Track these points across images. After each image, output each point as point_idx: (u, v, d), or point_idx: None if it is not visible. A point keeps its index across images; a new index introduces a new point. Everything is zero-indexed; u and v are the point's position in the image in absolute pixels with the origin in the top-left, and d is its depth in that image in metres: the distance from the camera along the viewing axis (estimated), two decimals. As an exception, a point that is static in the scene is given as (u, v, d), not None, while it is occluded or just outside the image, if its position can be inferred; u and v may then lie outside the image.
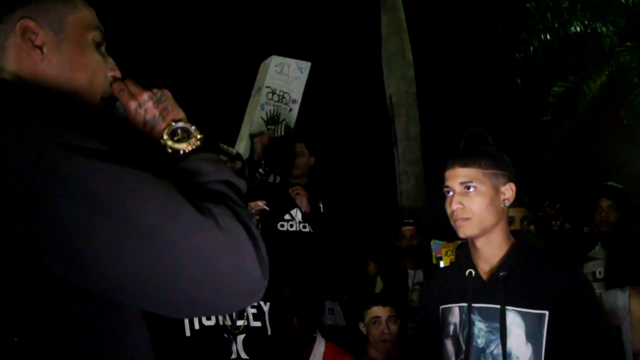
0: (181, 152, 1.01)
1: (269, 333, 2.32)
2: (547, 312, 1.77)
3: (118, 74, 1.13)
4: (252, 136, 5.22)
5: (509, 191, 1.88)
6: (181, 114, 1.09)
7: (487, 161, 1.87)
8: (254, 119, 5.21)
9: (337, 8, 9.30)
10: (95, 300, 0.87)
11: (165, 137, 1.04)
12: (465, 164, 1.87)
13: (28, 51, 0.99)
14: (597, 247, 3.99)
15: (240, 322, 2.28)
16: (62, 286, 0.84)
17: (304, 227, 4.09)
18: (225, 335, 2.21)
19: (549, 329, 1.75)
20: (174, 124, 1.06)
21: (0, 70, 0.98)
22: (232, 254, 0.83)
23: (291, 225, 4.11)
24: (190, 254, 0.80)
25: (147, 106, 1.07)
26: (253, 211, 3.20)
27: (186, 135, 1.04)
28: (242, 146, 4.98)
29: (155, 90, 1.09)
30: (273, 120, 5.30)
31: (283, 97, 5.34)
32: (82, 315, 0.87)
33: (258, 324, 2.31)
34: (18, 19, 0.98)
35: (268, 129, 5.16)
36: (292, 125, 5.36)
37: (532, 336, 1.78)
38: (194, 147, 1.02)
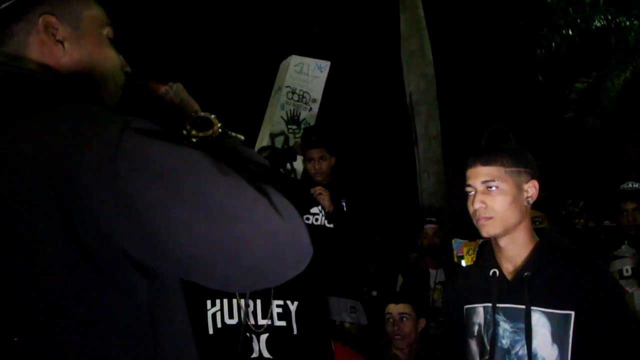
0: (209, 137, 1.08)
1: (295, 332, 2.29)
2: (573, 313, 1.73)
3: (129, 70, 1.16)
4: (272, 135, 5.24)
5: (532, 189, 1.84)
6: (197, 106, 1.15)
7: (509, 159, 1.83)
8: (274, 118, 5.23)
9: (357, 7, 9.28)
10: (155, 289, 0.92)
11: (188, 127, 1.09)
12: (486, 162, 1.84)
13: (51, 46, 1.01)
14: (623, 246, 3.95)
15: (263, 322, 2.27)
16: (133, 272, 0.88)
17: (329, 222, 4.12)
18: (248, 334, 2.21)
19: (575, 329, 1.72)
20: (194, 114, 1.11)
21: (27, 64, 0.99)
22: (288, 226, 0.88)
23: (316, 220, 4.13)
24: (254, 227, 0.85)
25: (167, 98, 1.14)
26: None
27: (208, 123, 1.10)
28: (263, 145, 5.01)
29: (171, 84, 1.15)
30: (293, 119, 5.31)
31: (303, 97, 5.35)
32: (145, 302, 0.91)
33: (283, 323, 2.30)
34: (39, 15, 0.99)
35: (290, 133, 5.19)
36: (312, 124, 5.37)
37: (558, 337, 1.74)
38: (218, 133, 1.08)
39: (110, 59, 1.09)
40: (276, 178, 0.99)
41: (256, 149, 4.81)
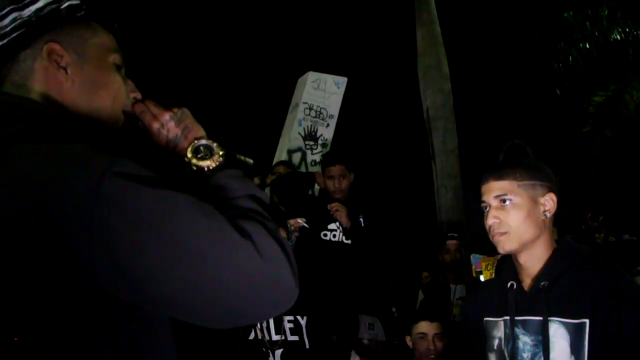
0: (206, 169, 1.08)
1: (307, 347, 2.34)
2: (587, 321, 1.69)
3: (139, 96, 1.18)
4: (289, 151, 5.27)
5: (549, 202, 1.81)
6: (201, 132, 1.14)
7: (522, 172, 1.81)
8: (291, 134, 5.27)
9: (374, 23, 9.34)
10: (136, 319, 0.94)
11: (189, 155, 1.10)
12: (499, 177, 1.82)
13: (54, 72, 1.06)
14: None
15: (277, 337, 2.30)
16: (110, 304, 0.90)
17: (347, 238, 4.13)
18: (264, 349, 2.25)
19: (590, 338, 1.68)
20: (196, 141, 1.11)
21: (30, 91, 1.04)
22: (270, 269, 0.89)
23: (334, 236, 4.15)
24: (234, 271, 0.87)
25: (169, 126, 1.13)
26: (292, 228, 3.24)
27: (208, 152, 1.10)
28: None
29: (175, 110, 1.15)
30: (310, 135, 5.35)
31: (320, 113, 5.39)
32: (124, 332, 0.93)
33: (295, 338, 2.34)
34: (44, 43, 1.05)
35: (308, 149, 5.22)
36: (329, 140, 5.40)
37: (575, 347, 1.70)
38: (217, 163, 1.08)
39: (113, 84, 1.12)
40: (268, 209, 1.01)
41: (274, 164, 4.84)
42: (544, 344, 1.74)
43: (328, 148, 5.39)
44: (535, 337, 1.78)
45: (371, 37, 9.58)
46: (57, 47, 1.05)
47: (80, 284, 0.87)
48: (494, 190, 1.82)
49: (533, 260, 1.84)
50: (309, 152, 5.31)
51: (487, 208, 1.84)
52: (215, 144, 1.11)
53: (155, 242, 0.85)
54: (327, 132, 5.41)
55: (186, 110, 1.16)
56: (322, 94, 5.44)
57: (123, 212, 0.85)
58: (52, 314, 0.87)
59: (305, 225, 3.57)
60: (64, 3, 1.07)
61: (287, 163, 4.86)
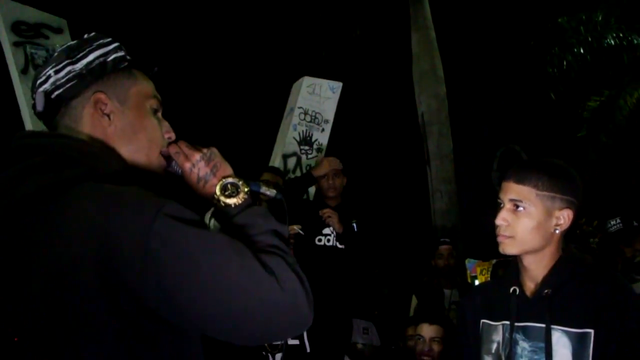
0: (233, 205, 1.23)
1: (308, 350, 2.34)
2: (592, 331, 1.68)
3: (173, 136, 1.33)
4: (284, 156, 5.27)
5: (564, 217, 1.77)
6: (229, 170, 1.30)
7: (545, 182, 1.76)
8: (286, 139, 5.26)
9: (368, 27, 9.35)
10: (178, 338, 1.11)
11: (217, 192, 1.25)
12: (520, 180, 1.78)
13: (99, 118, 1.22)
14: None
15: (277, 341, 2.30)
16: (158, 325, 1.06)
17: (340, 243, 4.14)
18: (264, 353, 2.25)
19: (595, 349, 1.67)
20: (224, 180, 1.26)
21: (79, 134, 1.21)
22: (290, 300, 1.07)
23: (328, 240, 4.15)
24: (259, 302, 1.04)
25: (199, 165, 1.28)
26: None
27: (235, 190, 1.25)
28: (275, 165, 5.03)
29: (205, 151, 1.30)
30: (306, 140, 5.34)
31: (315, 118, 5.38)
32: (168, 347, 1.10)
33: (296, 342, 2.35)
34: (92, 93, 1.22)
35: (303, 153, 5.22)
36: (324, 145, 5.40)
37: (578, 357, 1.69)
38: (242, 200, 1.24)
39: (148, 127, 1.28)
40: (287, 242, 1.20)
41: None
42: (546, 353, 1.73)
43: (323, 153, 5.38)
44: (535, 343, 1.77)
45: (366, 42, 9.59)
46: (102, 96, 1.22)
47: (134, 307, 1.02)
48: (511, 192, 1.79)
49: (537, 265, 1.83)
50: (304, 156, 5.31)
51: (502, 204, 1.82)
52: (241, 182, 1.26)
53: (195, 274, 1.01)
54: (322, 137, 5.41)
55: (215, 150, 1.31)
56: (317, 98, 5.44)
57: (172, 247, 1.01)
58: (112, 332, 1.03)
59: (301, 232, 3.58)
60: (110, 56, 1.25)
61: (275, 170, 4.85)
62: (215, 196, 1.25)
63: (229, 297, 1.02)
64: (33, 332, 1.03)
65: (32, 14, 4.39)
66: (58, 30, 4.49)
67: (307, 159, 5.33)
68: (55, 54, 1.25)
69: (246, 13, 10.19)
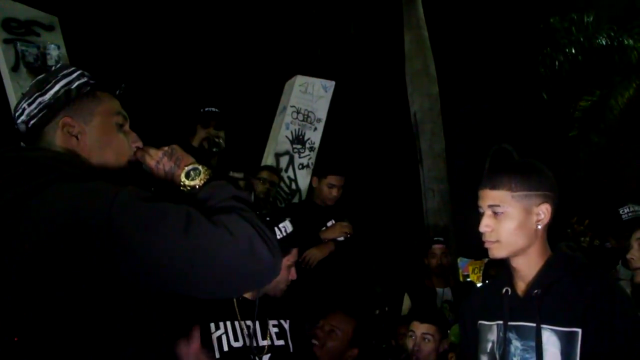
0: (196, 186, 1.39)
1: (292, 350, 2.35)
2: (579, 330, 1.70)
3: (140, 144, 1.50)
4: (277, 155, 5.26)
5: (543, 212, 1.81)
6: (190, 159, 1.47)
7: (518, 182, 1.80)
8: (279, 138, 5.25)
9: (361, 27, 9.36)
10: (141, 311, 1.26)
11: (182, 179, 1.42)
12: (494, 186, 1.82)
13: (68, 138, 1.39)
14: (618, 267, 3.87)
15: (264, 342, 2.31)
16: (124, 290, 1.20)
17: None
18: (251, 356, 2.24)
19: (583, 348, 1.69)
20: (186, 167, 1.43)
21: (55, 147, 1.39)
22: (242, 245, 1.18)
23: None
24: (215, 252, 1.17)
25: (163, 161, 1.46)
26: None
27: (197, 174, 1.41)
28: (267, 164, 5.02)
29: (166, 148, 1.48)
30: (298, 139, 5.33)
31: (308, 116, 5.37)
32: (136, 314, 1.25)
33: (281, 342, 2.35)
34: (61, 118, 1.39)
35: (295, 152, 5.22)
36: (317, 144, 5.39)
37: (566, 355, 1.71)
38: (204, 180, 1.40)
39: (114, 142, 1.45)
40: (248, 202, 1.33)
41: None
42: (537, 352, 1.75)
43: (316, 152, 5.38)
44: (526, 342, 1.79)
45: (359, 41, 9.60)
46: (68, 120, 1.40)
47: (107, 273, 1.15)
48: (487, 198, 1.83)
49: (526, 265, 1.86)
50: (296, 155, 5.30)
51: (482, 212, 1.85)
52: (202, 167, 1.42)
53: (157, 237, 1.15)
54: (314, 136, 5.41)
55: (175, 146, 1.50)
56: (309, 97, 5.43)
57: (132, 217, 1.15)
58: (86, 297, 1.16)
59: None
60: (74, 84, 1.43)
61: (272, 168, 4.84)
62: (182, 183, 1.41)
63: (190, 252, 1.15)
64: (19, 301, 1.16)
65: (23, 11, 4.36)
66: (49, 28, 4.46)
67: (300, 157, 5.32)
68: (28, 88, 1.44)
69: (240, 11, 10.17)
